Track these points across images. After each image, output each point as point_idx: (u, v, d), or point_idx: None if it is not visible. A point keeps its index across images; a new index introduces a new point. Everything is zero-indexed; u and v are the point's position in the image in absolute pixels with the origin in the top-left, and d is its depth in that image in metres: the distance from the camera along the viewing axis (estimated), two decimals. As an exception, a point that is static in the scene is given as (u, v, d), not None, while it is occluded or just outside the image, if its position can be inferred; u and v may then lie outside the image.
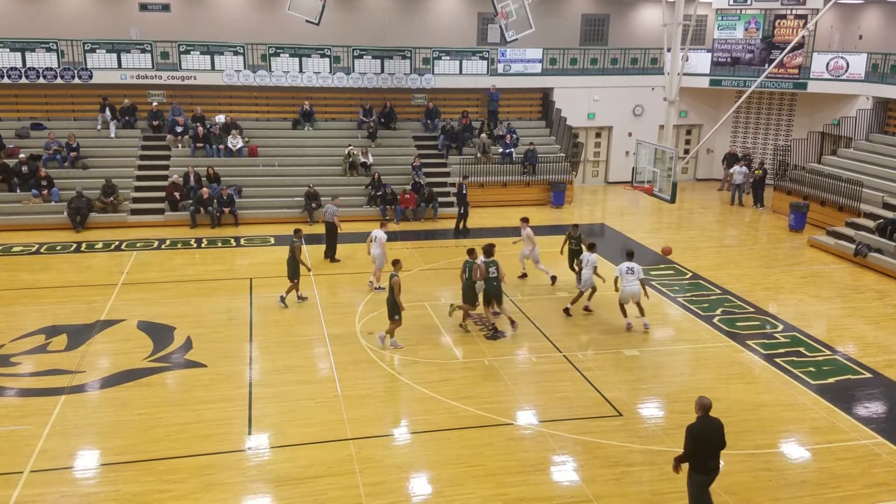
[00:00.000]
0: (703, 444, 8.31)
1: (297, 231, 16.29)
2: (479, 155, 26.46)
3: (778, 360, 13.72)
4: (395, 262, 13.96)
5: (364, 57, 27.00)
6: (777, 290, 17.80)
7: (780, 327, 15.36)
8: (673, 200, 19.89)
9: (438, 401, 11.84)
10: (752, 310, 16.35)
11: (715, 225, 24.57)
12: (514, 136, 27.29)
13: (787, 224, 23.44)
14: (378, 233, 16.98)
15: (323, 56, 26.65)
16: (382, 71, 27.18)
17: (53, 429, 10.70)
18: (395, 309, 13.45)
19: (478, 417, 11.35)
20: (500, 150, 26.75)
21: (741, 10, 28.42)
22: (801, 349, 14.24)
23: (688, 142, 31.41)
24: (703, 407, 8.44)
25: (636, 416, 11.58)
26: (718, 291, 17.47)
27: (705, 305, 16.53)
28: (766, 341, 14.58)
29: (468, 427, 11.10)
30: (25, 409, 11.27)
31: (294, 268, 15.65)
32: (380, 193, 23.85)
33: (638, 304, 14.76)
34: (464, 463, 10.15)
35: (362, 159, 25.17)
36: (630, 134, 29.27)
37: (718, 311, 16.19)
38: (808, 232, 22.75)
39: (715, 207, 26.91)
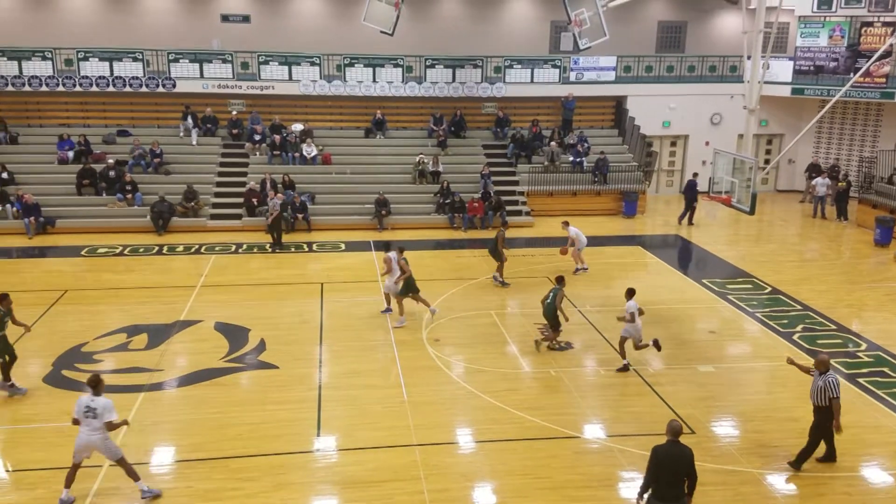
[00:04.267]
0: (665, 470, 7.96)
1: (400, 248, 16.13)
2: (547, 163, 26.28)
3: (861, 380, 13.08)
4: (559, 279, 14.35)
5: (436, 66, 27.24)
6: (861, 307, 16.99)
7: (864, 346, 14.65)
8: (752, 212, 19.26)
9: (504, 410, 11.77)
10: (834, 327, 15.66)
11: (796, 238, 23.67)
12: (586, 144, 26.99)
13: (873, 238, 22.39)
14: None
15: (396, 66, 27.01)
16: (454, 80, 27.35)
17: (133, 424, 11.09)
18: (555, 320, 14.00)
19: (543, 429, 11.22)
20: (571, 158, 26.49)
21: (825, 17, 27.35)
22: (886, 369, 13.55)
23: (768, 152, 30.40)
24: (673, 431, 8.14)
25: (710, 434, 11.23)
26: (799, 307, 16.80)
27: (785, 321, 15.92)
28: (848, 360, 13.93)
29: (534, 438, 10.98)
30: (107, 404, 11.75)
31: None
32: (448, 201, 23.96)
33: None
34: (529, 474, 10.05)
35: (432, 167, 25.35)
36: (707, 143, 28.54)
37: (799, 328, 15.56)
38: (894, 247, 21.67)
39: (796, 220, 25.93)
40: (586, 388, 12.80)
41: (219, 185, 24.43)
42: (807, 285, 18.36)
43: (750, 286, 18.36)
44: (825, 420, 9.93)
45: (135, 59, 25.60)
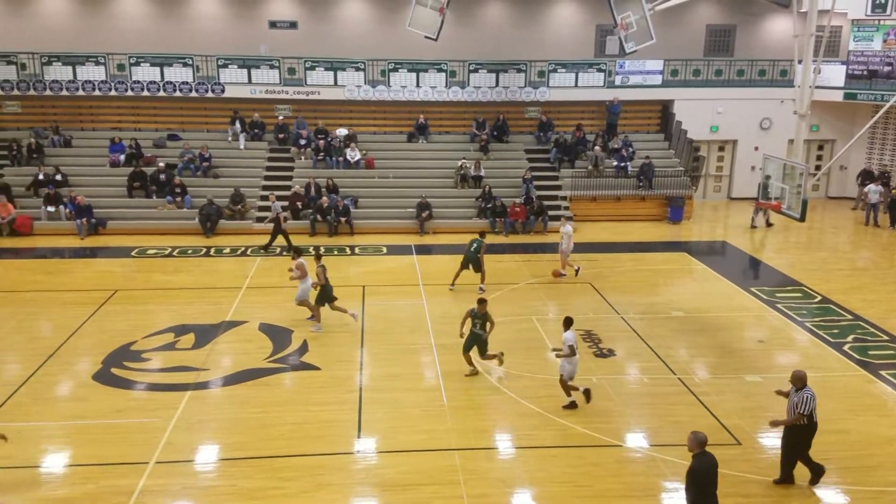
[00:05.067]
0: (710, 482, 7.81)
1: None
2: (591, 168, 26.05)
3: (917, 394, 12.64)
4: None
5: (479, 71, 27.27)
6: (917, 319, 16.43)
7: (921, 359, 14.15)
8: (802, 219, 18.76)
9: (544, 416, 11.68)
10: (886, 338, 15.16)
11: (847, 246, 23.02)
12: (630, 149, 26.69)
13: (931, 247, 21.63)
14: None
15: (439, 71, 27.12)
16: (497, 84, 27.34)
17: (178, 423, 11.35)
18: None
19: (584, 436, 11.11)
20: (615, 163, 26.22)
21: (879, 20, 26.56)
22: (945, 383, 13.07)
23: (819, 157, 29.65)
24: (700, 442, 7.95)
25: (756, 445, 10.97)
26: (850, 317, 16.32)
27: (835, 331, 15.48)
28: (903, 373, 13.47)
29: (574, 446, 10.88)
30: (153, 403, 12.02)
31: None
32: (490, 206, 23.93)
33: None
34: (569, 482, 9.95)
35: (474, 172, 25.35)
36: (756, 148, 28.01)
37: (849, 338, 15.11)
38: (954, 256, 20.92)
39: (848, 227, 25.21)
40: (629, 396, 12.63)
41: (265, 188, 24.81)
42: (858, 294, 17.83)
43: (799, 295, 17.91)
44: (801, 437, 9.61)
45: (185, 65, 26.20)
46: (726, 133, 28.74)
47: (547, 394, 12.44)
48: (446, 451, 10.63)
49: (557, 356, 11.94)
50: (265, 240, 21.69)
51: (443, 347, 14.30)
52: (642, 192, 25.74)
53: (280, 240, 21.41)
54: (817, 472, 9.80)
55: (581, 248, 22.00)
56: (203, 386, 12.65)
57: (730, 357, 14.13)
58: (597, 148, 26.45)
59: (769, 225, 24.73)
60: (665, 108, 28.69)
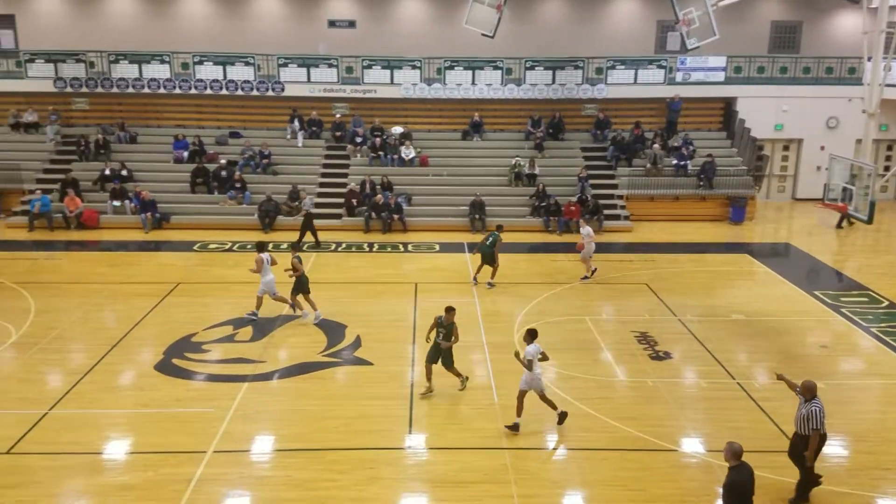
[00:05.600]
0: (745, 498, 7.60)
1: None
2: (649, 166, 25.60)
3: None
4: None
5: (536, 68, 27.09)
6: None
7: None
8: (870, 221, 18.14)
9: (597, 418, 11.54)
10: (961, 347, 14.48)
11: (919, 250, 22.07)
12: (691, 147, 26.13)
13: None
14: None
15: (495, 68, 27.05)
16: (553, 82, 27.13)
17: (236, 413, 11.61)
18: None
19: (638, 440, 10.93)
20: (674, 161, 25.71)
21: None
22: None
23: (888, 158, 28.50)
24: (736, 454, 7.73)
25: (817, 454, 10.60)
26: (921, 324, 15.65)
27: (904, 338, 14.86)
28: (979, 384, 12.84)
29: (627, 449, 10.71)
30: (212, 393, 12.32)
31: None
32: (544, 204, 23.75)
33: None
34: (622, 486, 9.81)
35: (528, 170, 25.20)
36: (823, 147, 27.11)
37: (920, 346, 14.49)
38: None
39: (920, 230, 24.17)
40: (685, 399, 12.37)
41: (321, 185, 25.18)
42: (932, 301, 17.09)
43: (866, 299, 17.25)
44: (803, 448, 9.22)
45: (247, 64, 26.77)
46: (791, 132, 27.89)
47: (600, 395, 12.29)
48: (497, 450, 10.60)
49: (520, 361, 11.11)
50: (321, 236, 21.99)
51: (494, 345, 14.27)
52: (702, 192, 25.17)
53: (364, 236, 21.70)
54: (811, 483, 9.42)
55: (638, 248, 21.70)
56: (260, 378, 12.91)
57: (791, 362, 13.70)
58: (656, 146, 25.98)
59: (847, 225, 23.70)
60: (728, 105, 27.99)
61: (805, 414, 9.13)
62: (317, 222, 23.52)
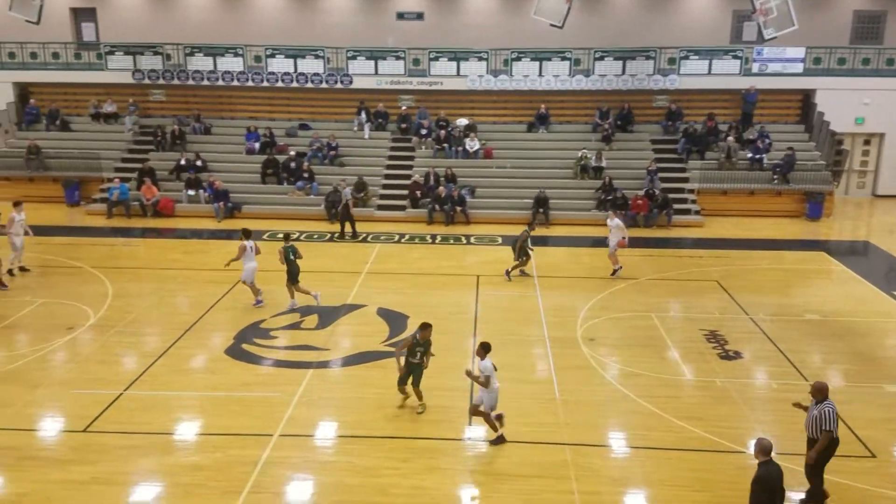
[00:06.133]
0: (773, 495, 7.44)
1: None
2: (723, 160, 24.85)
3: None
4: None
5: (605, 58, 26.65)
6: None
7: None
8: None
9: (662, 418, 11.31)
10: None
11: None
12: (767, 140, 25.24)
13: None
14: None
15: (563, 59, 26.72)
16: (623, 72, 26.63)
17: (301, 398, 11.85)
18: None
19: (704, 440, 10.66)
20: (749, 155, 24.89)
21: None
22: None
23: (980, 152, 26.92)
24: (765, 450, 7.65)
25: (892, 459, 10.16)
26: None
27: None
28: None
29: (692, 449, 10.46)
30: (279, 378, 12.61)
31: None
32: (610, 198, 23.35)
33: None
34: (686, 486, 9.58)
35: (595, 162, 24.82)
36: (906, 142, 25.78)
37: None
38: None
39: None
40: (755, 401, 11.99)
41: (387, 177, 25.40)
42: None
43: (954, 302, 16.36)
44: (825, 452, 8.82)
45: (316, 57, 27.21)
46: (873, 126, 26.67)
47: (665, 394, 12.04)
48: (558, 445, 10.51)
49: (473, 378, 10.64)
50: (385, 227, 22.22)
51: (556, 340, 14.14)
52: (778, 187, 24.30)
53: (427, 228, 21.94)
54: (819, 496, 9.02)
55: (709, 244, 21.13)
56: (324, 365, 13.15)
57: (868, 365, 13.12)
58: (730, 139, 25.22)
59: None
60: (806, 97, 26.93)
61: (816, 415, 8.84)
62: (382, 214, 23.82)
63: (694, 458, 10.26)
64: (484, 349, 10.58)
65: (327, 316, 15.39)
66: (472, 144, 25.90)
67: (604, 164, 24.77)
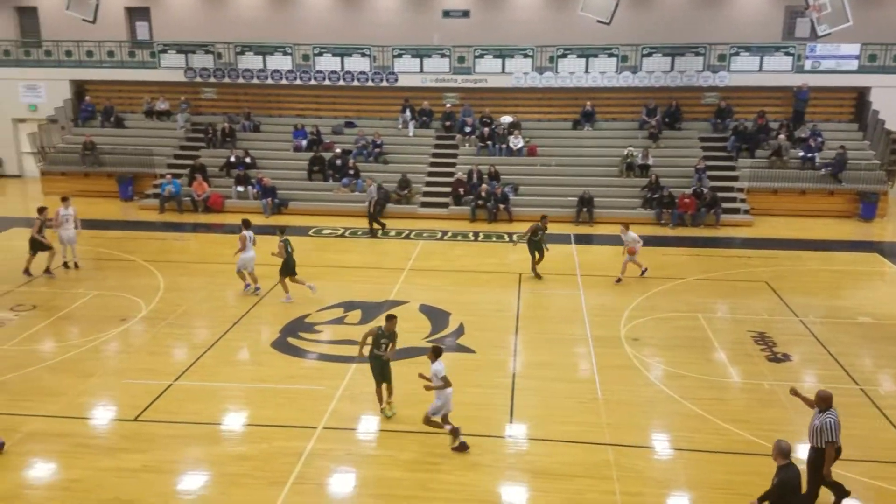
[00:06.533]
0: (792, 499, 7.59)
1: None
2: (773, 158, 24.29)
3: None
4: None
5: (653, 55, 26.28)
6: None
7: None
8: None
9: (707, 420, 11.14)
10: None
11: None
12: (819, 139, 24.59)
13: None
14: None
15: (610, 55, 26.44)
16: (672, 69, 26.24)
17: (344, 392, 12.01)
18: None
19: (751, 444, 10.47)
20: (801, 153, 24.29)
21: None
22: None
23: None
24: (784, 452, 7.63)
25: (951, 471, 9.82)
26: None
27: None
28: None
29: (739, 453, 10.29)
30: (323, 372, 12.80)
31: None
32: (656, 196, 23.04)
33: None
34: (731, 490, 9.43)
35: (641, 160, 24.51)
36: (968, 141, 24.81)
37: None
38: None
39: None
40: (803, 404, 11.69)
41: (430, 174, 25.50)
42: None
43: None
44: (819, 462, 8.55)
45: (363, 55, 27.44)
46: (933, 123, 25.72)
47: (711, 396, 11.86)
48: (600, 445, 10.45)
49: (427, 388, 10.28)
50: (428, 224, 22.29)
51: (599, 339, 14.04)
52: (830, 186, 23.66)
53: (470, 225, 21.98)
54: (841, 493, 8.86)
55: (758, 244, 20.72)
56: (367, 360, 13.24)
57: (926, 371, 12.71)
58: (781, 137, 24.65)
59: None
60: (860, 95, 26.16)
61: (819, 425, 8.64)
62: (425, 211, 23.92)
63: (740, 461, 10.08)
64: (435, 353, 10.33)
65: (370, 311, 15.53)
66: (516, 142, 25.82)
67: (650, 161, 24.45)
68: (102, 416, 11.37)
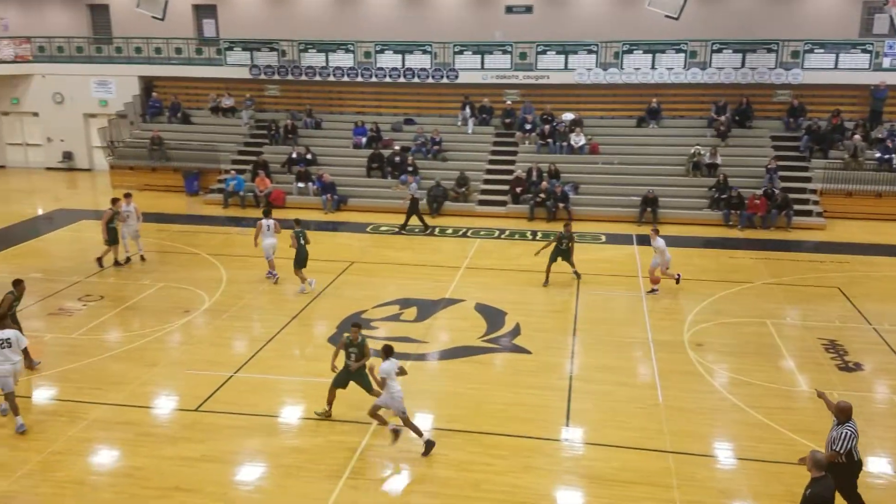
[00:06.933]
0: None
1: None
2: (848, 159, 23.26)
3: None
4: None
5: (723, 51, 25.51)
6: None
7: None
8: None
9: (773, 429, 10.69)
10: None
11: None
12: (897, 139, 23.45)
13: None
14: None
15: (678, 51, 25.77)
16: (742, 65, 25.42)
17: (404, 388, 11.96)
18: None
19: (820, 456, 9.98)
20: (878, 155, 23.20)
21: None
22: None
23: None
24: (819, 464, 7.38)
25: None
26: None
27: None
28: None
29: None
30: (378, 368, 12.81)
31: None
32: (724, 196, 22.33)
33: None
34: (794, 502, 8.99)
35: (709, 159, 23.80)
36: None
37: None
38: None
39: None
40: (875, 416, 11.16)
41: (488, 172, 25.32)
42: None
43: None
44: (842, 477, 8.08)
45: (424, 52, 27.45)
46: None
47: (778, 405, 11.40)
48: (659, 453, 10.15)
49: (373, 377, 10.35)
50: (485, 223, 22.12)
51: (661, 344, 13.65)
52: (910, 189, 22.53)
53: (528, 224, 21.79)
54: None
55: (831, 248, 19.88)
56: (422, 357, 13.26)
57: None
58: (857, 137, 23.58)
59: None
60: (944, 93, 24.82)
61: (835, 436, 8.27)
62: (482, 209, 23.76)
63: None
64: (385, 352, 10.24)
65: (426, 309, 15.50)
66: (578, 139, 25.41)
67: (718, 161, 23.71)
68: (165, 405, 11.64)
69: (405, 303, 15.90)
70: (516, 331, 14.38)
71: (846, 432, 8.26)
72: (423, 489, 9.47)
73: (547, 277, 16.89)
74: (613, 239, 20.96)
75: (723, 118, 25.18)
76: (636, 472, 9.72)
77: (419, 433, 10.21)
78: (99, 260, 17.97)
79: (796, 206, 22.03)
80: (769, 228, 21.71)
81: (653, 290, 16.29)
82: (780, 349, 13.46)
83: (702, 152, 23.93)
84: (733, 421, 11.08)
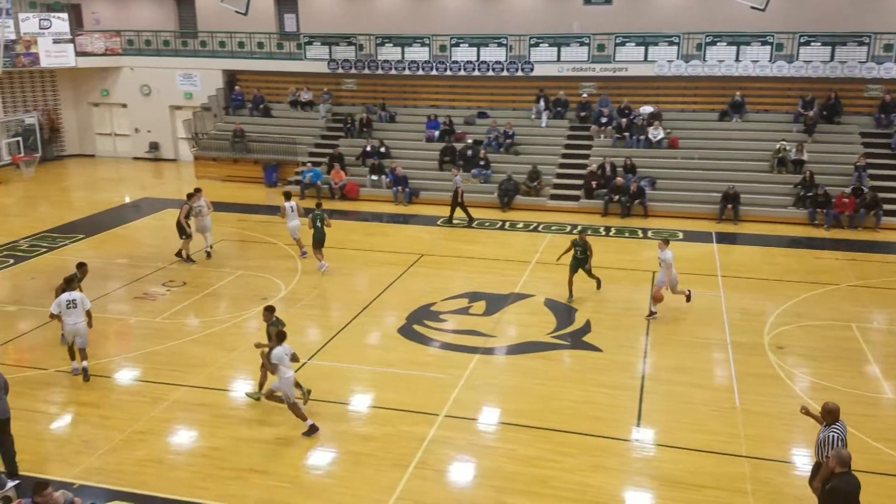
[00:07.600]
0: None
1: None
2: (947, 157, 21.96)
3: None
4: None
5: (811, 43, 24.43)
6: None
7: None
8: None
9: (855, 437, 10.17)
10: None
11: None
12: None
13: None
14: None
15: (764, 43, 24.83)
16: (832, 59, 24.28)
17: (467, 382, 12.03)
18: None
19: (907, 468, 9.51)
20: (980, 152, 21.80)
21: None
22: None
23: None
24: (844, 461, 7.22)
25: None
26: None
27: None
28: None
29: (887, 474, 9.41)
30: (446, 361, 12.87)
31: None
32: (811, 194, 21.42)
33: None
34: (881, 517, 8.61)
35: (794, 155, 22.86)
36: None
37: None
38: None
39: None
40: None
41: (561, 166, 25.02)
42: None
43: None
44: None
45: (499, 45, 27.32)
46: None
47: (861, 412, 10.89)
48: (734, 457, 9.86)
49: (265, 360, 10.62)
50: (557, 217, 21.88)
51: (739, 345, 13.24)
52: None
53: (601, 219, 21.59)
54: None
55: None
56: (490, 351, 13.25)
57: None
58: (955, 133, 22.23)
59: None
60: None
61: (822, 439, 7.94)
62: (554, 203, 23.52)
63: (888, 483, 9.20)
64: (278, 338, 10.46)
65: (495, 303, 15.47)
66: (656, 133, 24.81)
67: (805, 157, 22.75)
68: (242, 388, 12.00)
69: (474, 296, 15.91)
70: (587, 328, 14.19)
71: (832, 435, 8.00)
72: (490, 483, 9.47)
73: (570, 291, 15.53)
74: (691, 236, 20.40)
75: (810, 113, 24.14)
76: (709, 475, 9.47)
77: (304, 418, 10.47)
78: (187, 256, 18.07)
79: (886, 206, 20.95)
80: (857, 228, 20.72)
81: (651, 314, 14.53)
82: (866, 354, 12.86)
83: (787, 148, 23.02)
84: (813, 427, 10.53)
